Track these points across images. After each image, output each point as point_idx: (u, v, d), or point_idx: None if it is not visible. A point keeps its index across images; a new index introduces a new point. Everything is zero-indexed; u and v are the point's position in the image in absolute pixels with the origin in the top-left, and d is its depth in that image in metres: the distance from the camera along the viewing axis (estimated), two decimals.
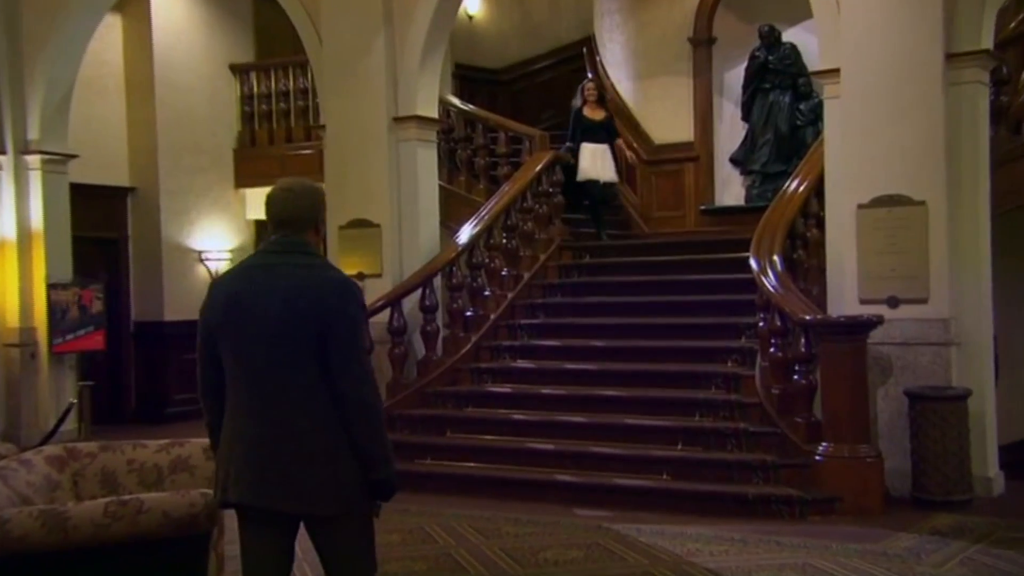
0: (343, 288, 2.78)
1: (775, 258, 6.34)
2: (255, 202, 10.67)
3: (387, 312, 7.24)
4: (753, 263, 6.40)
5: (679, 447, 6.20)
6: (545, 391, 6.99)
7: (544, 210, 8.59)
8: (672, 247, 8.44)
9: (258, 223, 10.83)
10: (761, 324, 6.36)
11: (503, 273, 8.06)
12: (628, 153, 9.24)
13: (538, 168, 8.50)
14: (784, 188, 7.01)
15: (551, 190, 8.65)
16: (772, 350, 6.18)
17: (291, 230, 2.83)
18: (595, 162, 8.68)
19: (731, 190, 9.67)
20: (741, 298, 6.89)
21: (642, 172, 9.94)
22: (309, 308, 2.71)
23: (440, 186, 8.20)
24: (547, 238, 8.56)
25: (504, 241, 8.10)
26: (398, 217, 7.65)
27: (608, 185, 8.81)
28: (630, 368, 6.99)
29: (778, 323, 6.10)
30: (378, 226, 7.60)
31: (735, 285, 7.12)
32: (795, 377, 5.96)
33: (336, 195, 7.65)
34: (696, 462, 6.03)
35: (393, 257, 7.61)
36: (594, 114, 8.75)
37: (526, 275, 8.18)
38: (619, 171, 8.91)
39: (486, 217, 7.92)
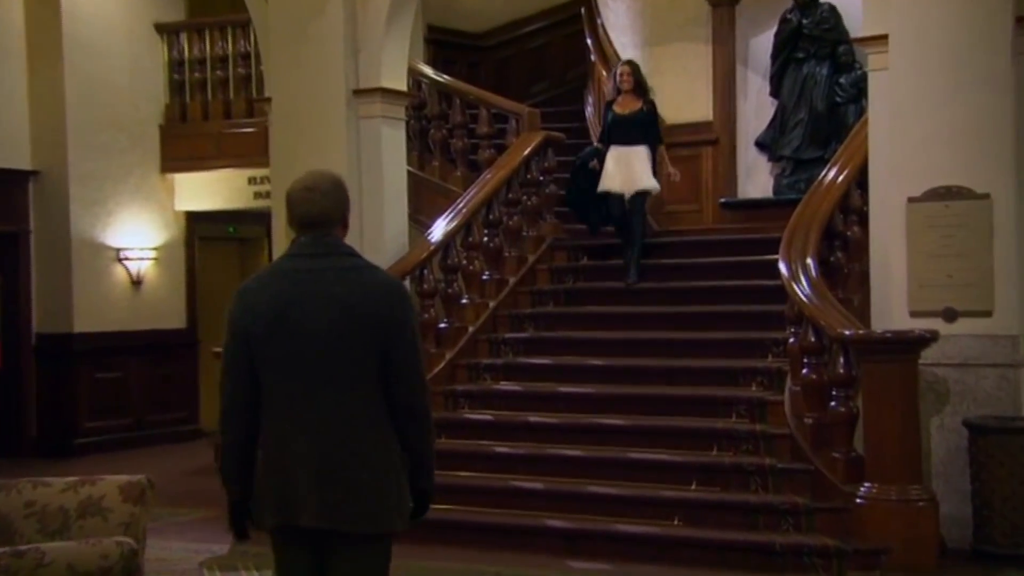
0: (400, 293, 3.15)
1: (808, 261, 6.37)
2: (187, 190, 10.68)
3: None
4: (782, 267, 6.43)
5: (693, 487, 6.21)
6: (533, 419, 7.01)
7: (533, 202, 8.60)
8: (686, 248, 8.46)
9: (190, 216, 10.84)
10: (791, 340, 6.39)
11: (484, 277, 8.08)
12: (671, 170, 8.24)
13: (527, 152, 8.49)
14: (820, 178, 7.06)
15: (542, 178, 8.68)
16: (805, 371, 6.20)
17: (321, 230, 3.12)
18: (620, 169, 7.95)
19: (757, 180, 9.70)
20: (768, 309, 6.94)
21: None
22: (369, 317, 3.05)
23: (409, 172, 8.24)
24: (537, 236, 8.57)
25: (485, 239, 8.12)
26: (358, 210, 7.64)
27: (637, 198, 7.96)
28: (636, 392, 6.99)
29: (812, 339, 6.12)
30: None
31: (761, 293, 7.22)
32: (832, 404, 5.97)
33: (284, 182, 7.54)
34: (713, 505, 6.06)
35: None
36: (625, 107, 8.10)
37: (511, 280, 8.23)
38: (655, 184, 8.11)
39: (464, 210, 7.92)
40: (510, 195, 8.37)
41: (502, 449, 6.85)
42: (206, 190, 10.63)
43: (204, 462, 8.75)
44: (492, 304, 7.97)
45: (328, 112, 7.59)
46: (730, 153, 9.73)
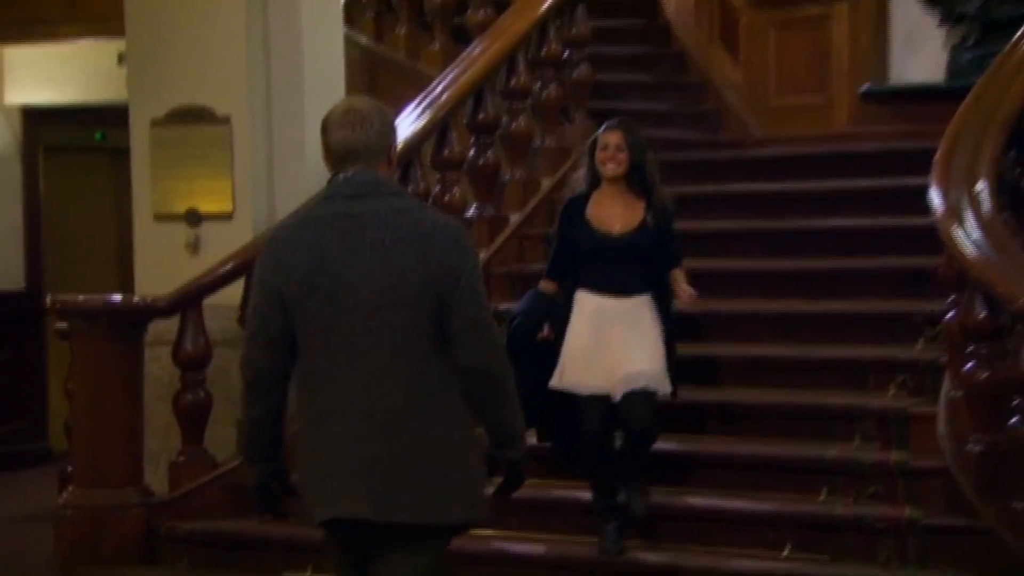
0: (457, 237, 3.90)
1: (979, 188, 6.15)
2: (22, 73, 10.70)
3: (239, 286, 7.25)
4: (934, 198, 6.23)
5: (786, 552, 6.13)
6: None
7: (553, 92, 8.53)
8: (801, 166, 8.52)
9: (29, 114, 10.89)
10: (949, 316, 6.23)
11: (468, 214, 8.09)
12: (687, 291, 6.42)
13: (542, 10, 8.45)
14: (1008, 47, 6.95)
15: (567, 55, 8.66)
16: (969, 366, 5.93)
17: (362, 164, 3.88)
18: (599, 343, 6.29)
19: (922, 56, 9.71)
20: (925, 264, 6.78)
21: (751, 21, 10.05)
22: (423, 270, 3.79)
23: (359, 47, 8.66)
24: (557, 147, 8.59)
25: (472, 152, 8.11)
26: (265, 103, 7.72)
27: (636, 401, 6.21)
28: (703, 399, 6.96)
29: (981, 314, 5.85)
30: (226, 120, 7.73)
31: (916, 239, 7.07)
32: (1014, 420, 5.77)
33: (148, 62, 7.85)
34: None
35: (255, 180, 7.75)
36: (612, 216, 6.44)
37: (514, 219, 8.29)
38: (670, 367, 6.33)
39: (438, 103, 7.86)
40: (513, 81, 8.28)
41: None
42: (53, 72, 10.65)
43: (51, 500, 8.53)
44: (482, 256, 7.74)
45: None
46: (879, 12, 9.77)
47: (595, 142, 6.54)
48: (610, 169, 6.41)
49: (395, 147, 4.00)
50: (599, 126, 8.55)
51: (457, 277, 3.79)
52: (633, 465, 6.35)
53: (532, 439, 6.28)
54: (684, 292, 6.44)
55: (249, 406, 3.97)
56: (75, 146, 11.58)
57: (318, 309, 3.79)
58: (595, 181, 6.52)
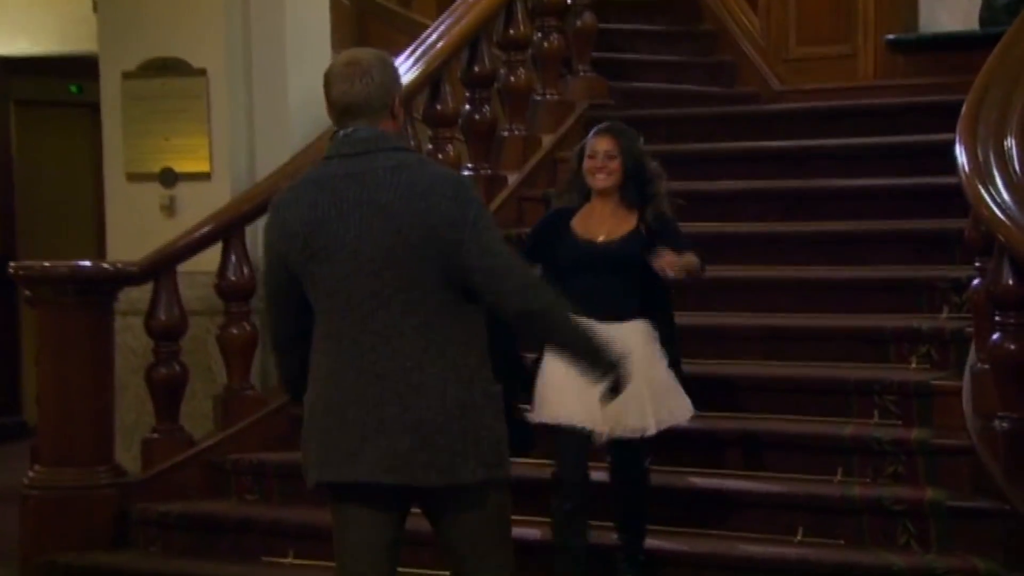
0: (460, 188, 4.11)
1: (1009, 144, 6.12)
2: None
3: (217, 252, 7.33)
4: (961, 156, 6.18)
5: (799, 537, 6.14)
6: None
7: (555, 42, 8.52)
8: (822, 121, 8.56)
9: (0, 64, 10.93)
10: (975, 282, 6.22)
11: (463, 172, 7.96)
12: (670, 259, 5.73)
13: None
14: None
15: (570, 0, 8.66)
16: (996, 337, 5.92)
17: (363, 120, 4.07)
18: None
19: (953, 2, 9.78)
20: (954, 227, 6.81)
21: None
22: (427, 226, 3.98)
23: None
24: (560, 100, 8.62)
25: (467, 107, 8.10)
26: (244, 54, 7.75)
27: (626, 452, 5.95)
28: (713, 371, 6.96)
29: (1009, 281, 5.84)
30: (202, 73, 7.74)
31: (945, 200, 7.08)
32: None
33: (119, 10, 7.88)
34: (832, 571, 5.96)
35: (234, 138, 7.78)
36: (599, 224, 5.97)
37: (512, 179, 8.30)
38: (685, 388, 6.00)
39: (430, 53, 7.88)
40: (512, 31, 8.28)
41: None
42: (25, 20, 10.66)
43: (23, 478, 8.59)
44: None
45: None
46: None
47: (583, 149, 6.03)
48: (600, 180, 5.89)
49: (400, 101, 4.16)
50: (605, 78, 8.76)
51: (460, 231, 3.97)
52: (627, 510, 5.97)
53: None
54: (666, 259, 5.68)
55: (279, 366, 4.43)
56: (49, 100, 11.60)
57: (321, 272, 4.03)
58: (584, 194, 6.01)
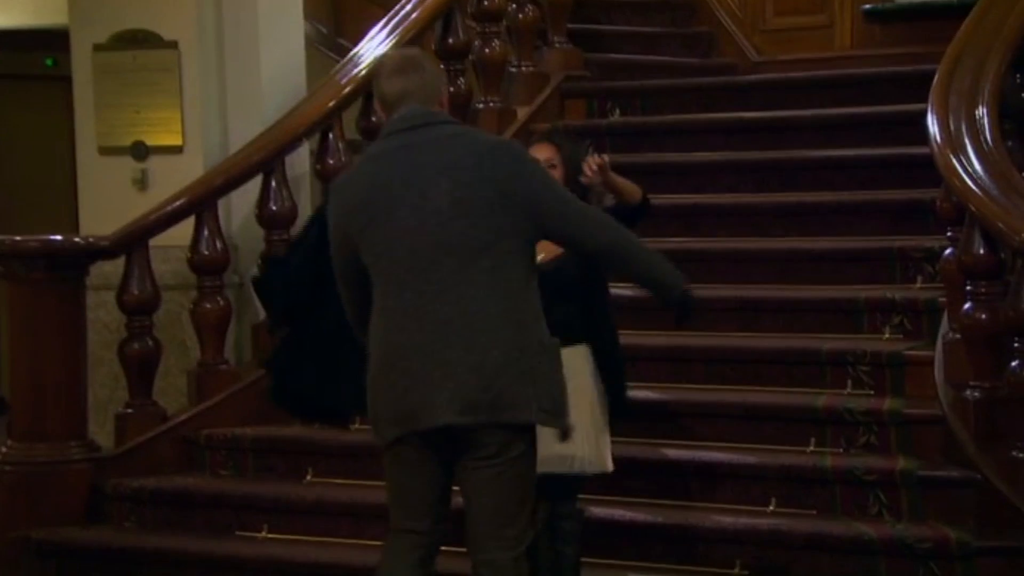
0: (517, 150, 4.63)
1: (980, 113, 6.14)
2: None
3: (190, 226, 7.31)
4: (932, 125, 6.22)
5: (771, 508, 6.18)
6: None
7: (530, 14, 8.55)
8: (798, 91, 8.62)
9: None
10: (947, 252, 6.25)
11: None
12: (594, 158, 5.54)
13: None
14: None
15: None
16: (968, 307, 5.96)
17: (415, 101, 4.46)
18: None
19: None
20: (927, 197, 6.82)
21: None
22: (487, 183, 4.32)
23: None
24: (535, 72, 8.65)
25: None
26: (216, 26, 7.78)
27: (564, 494, 5.63)
28: (683, 343, 6.94)
29: (980, 250, 5.88)
30: (173, 45, 7.75)
31: (919, 170, 6.98)
32: (1014, 365, 5.76)
33: None
34: (803, 542, 5.97)
35: (207, 111, 7.81)
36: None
37: None
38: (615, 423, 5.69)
39: (406, 25, 7.90)
40: (486, 2, 8.27)
41: None
42: None
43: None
44: None
45: None
46: None
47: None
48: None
49: (447, 94, 4.67)
50: (581, 50, 8.70)
51: (530, 183, 4.40)
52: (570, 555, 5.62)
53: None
54: (593, 158, 5.46)
55: (360, 337, 4.60)
56: (23, 74, 11.57)
57: (378, 234, 4.37)
58: None
